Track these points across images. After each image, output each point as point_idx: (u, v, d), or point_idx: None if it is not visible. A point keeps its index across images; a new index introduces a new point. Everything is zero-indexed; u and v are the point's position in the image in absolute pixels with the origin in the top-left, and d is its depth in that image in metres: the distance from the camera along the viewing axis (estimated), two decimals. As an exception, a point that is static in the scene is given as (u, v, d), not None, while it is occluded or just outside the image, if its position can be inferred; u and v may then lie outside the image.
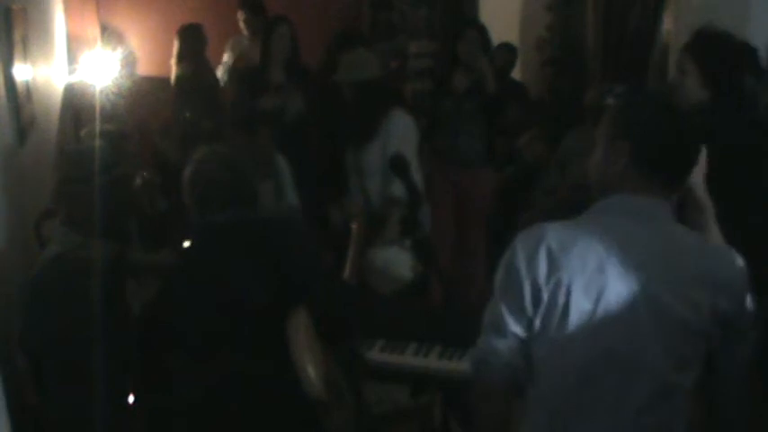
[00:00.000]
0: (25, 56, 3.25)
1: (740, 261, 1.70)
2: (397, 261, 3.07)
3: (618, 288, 1.60)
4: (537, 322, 1.64)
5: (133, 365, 2.40)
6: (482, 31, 4.44)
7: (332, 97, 4.07)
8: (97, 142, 2.63)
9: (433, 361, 2.73)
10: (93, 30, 5.48)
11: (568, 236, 1.65)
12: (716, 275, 1.64)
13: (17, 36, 3.10)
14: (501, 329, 1.67)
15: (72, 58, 4.89)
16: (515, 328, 1.66)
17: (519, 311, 1.65)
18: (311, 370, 2.19)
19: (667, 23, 4.96)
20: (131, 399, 2.46)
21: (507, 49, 5.74)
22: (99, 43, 5.26)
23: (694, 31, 2.76)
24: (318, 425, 2.25)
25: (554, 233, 1.65)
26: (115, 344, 2.26)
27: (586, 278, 1.60)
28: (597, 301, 1.60)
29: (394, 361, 2.76)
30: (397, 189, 3.36)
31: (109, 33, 5.60)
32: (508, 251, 1.69)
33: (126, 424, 2.40)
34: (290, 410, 2.23)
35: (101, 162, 2.39)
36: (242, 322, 2.22)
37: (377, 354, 2.78)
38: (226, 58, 5.61)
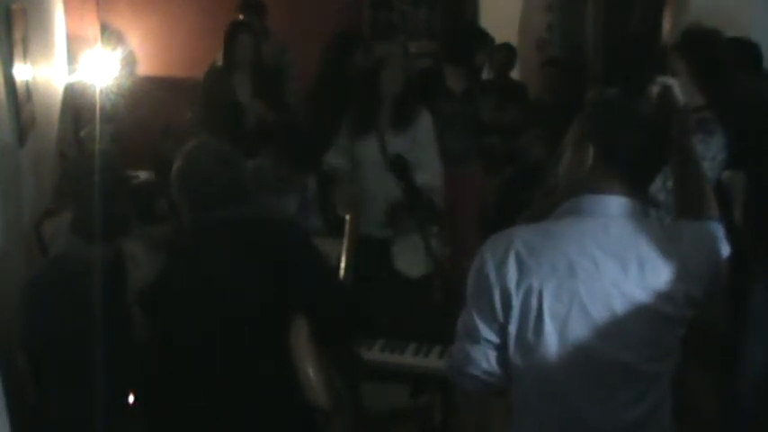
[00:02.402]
0: (25, 56, 3.25)
1: (707, 237, 1.71)
2: (416, 246, 3.13)
3: (591, 290, 1.60)
4: (511, 328, 1.64)
5: (133, 368, 2.39)
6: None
7: (333, 96, 4.09)
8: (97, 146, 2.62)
9: (433, 361, 2.74)
10: (94, 30, 5.47)
11: (537, 240, 1.65)
12: (687, 264, 1.64)
13: (17, 36, 3.10)
14: (474, 336, 1.68)
15: (72, 58, 4.88)
16: (488, 334, 1.67)
17: (490, 318, 1.66)
18: (313, 377, 2.17)
19: (667, 23, 4.96)
20: (131, 399, 2.45)
21: (507, 48, 5.74)
22: (99, 43, 5.25)
23: (682, 30, 2.76)
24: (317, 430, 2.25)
25: (522, 238, 1.65)
26: (115, 344, 2.25)
27: (557, 282, 1.60)
28: (570, 304, 1.60)
29: (394, 361, 2.77)
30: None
31: (109, 33, 5.59)
32: (477, 257, 1.69)
33: (126, 424, 2.40)
34: (291, 415, 2.22)
35: (104, 163, 2.38)
36: (241, 324, 2.18)
37: (377, 354, 2.79)
38: None
